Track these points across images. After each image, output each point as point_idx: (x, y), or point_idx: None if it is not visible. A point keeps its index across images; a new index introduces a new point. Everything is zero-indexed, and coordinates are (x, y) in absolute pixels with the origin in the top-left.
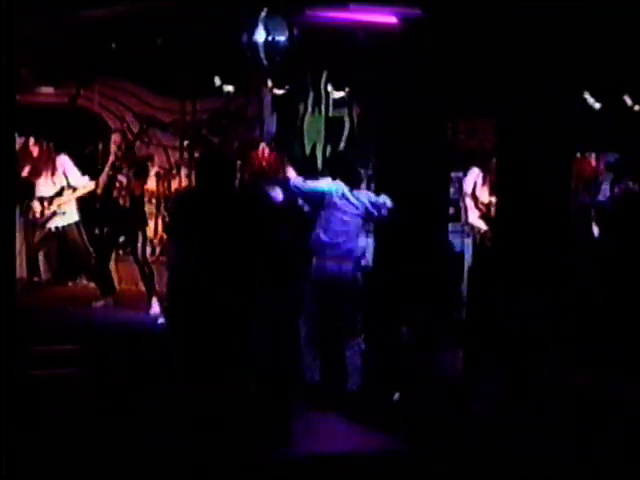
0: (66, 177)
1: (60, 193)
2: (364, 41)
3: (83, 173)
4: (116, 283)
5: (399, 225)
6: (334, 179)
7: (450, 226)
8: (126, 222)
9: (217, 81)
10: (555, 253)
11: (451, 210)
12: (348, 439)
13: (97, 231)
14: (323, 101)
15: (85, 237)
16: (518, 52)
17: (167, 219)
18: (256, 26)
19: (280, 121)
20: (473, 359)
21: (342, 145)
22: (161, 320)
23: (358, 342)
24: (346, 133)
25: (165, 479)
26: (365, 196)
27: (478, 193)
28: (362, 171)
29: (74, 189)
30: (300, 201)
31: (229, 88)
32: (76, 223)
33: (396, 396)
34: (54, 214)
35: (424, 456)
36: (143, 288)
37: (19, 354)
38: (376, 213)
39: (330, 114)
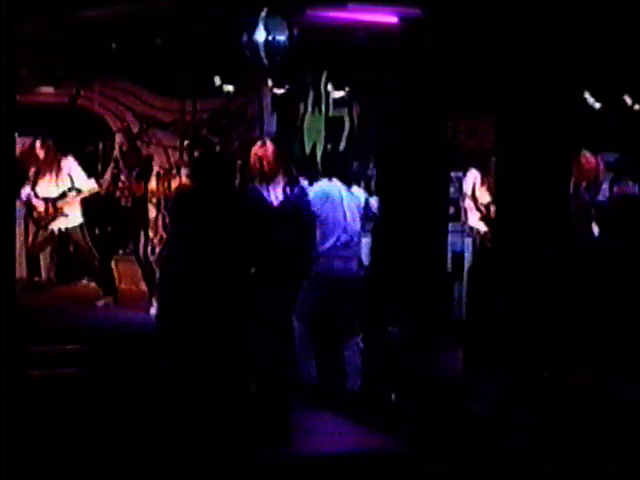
0: (71, 179)
1: (64, 195)
2: (364, 41)
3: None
4: (117, 283)
5: (399, 225)
6: (330, 179)
7: (450, 226)
8: (128, 222)
9: (217, 81)
10: (555, 253)
11: (451, 210)
12: (348, 439)
13: (100, 231)
14: (323, 101)
15: (88, 238)
16: (518, 52)
17: (166, 218)
18: (256, 26)
19: (280, 121)
20: (473, 359)
21: (342, 145)
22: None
23: (357, 341)
24: (346, 133)
25: (165, 479)
26: (361, 194)
27: (477, 194)
28: (357, 169)
29: (78, 191)
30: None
31: (229, 88)
32: (80, 224)
33: (393, 397)
34: (57, 215)
35: (424, 456)
36: (144, 288)
37: (19, 354)
38: (371, 212)
39: (330, 114)
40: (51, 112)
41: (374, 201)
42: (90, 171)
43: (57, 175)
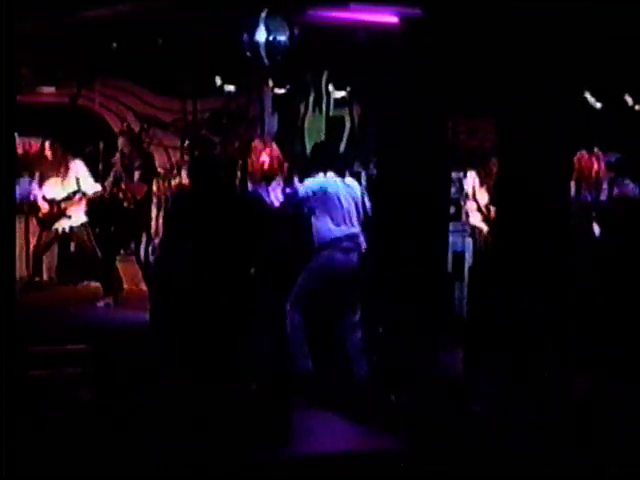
0: (78, 182)
1: (70, 197)
2: (365, 41)
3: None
4: (123, 283)
5: (399, 225)
6: (325, 173)
7: (451, 226)
8: (130, 224)
9: (218, 81)
10: (555, 253)
11: (452, 210)
12: (348, 439)
13: (102, 232)
14: (324, 101)
15: (92, 239)
16: (518, 52)
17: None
18: (257, 26)
19: (281, 121)
20: (473, 359)
21: (343, 145)
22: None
23: (356, 334)
24: (347, 133)
25: (165, 479)
26: (356, 185)
27: (478, 196)
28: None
29: (83, 194)
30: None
31: (230, 88)
32: (84, 225)
33: (392, 397)
34: (60, 217)
35: (424, 456)
36: (144, 288)
37: (19, 354)
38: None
39: (331, 114)
40: (52, 112)
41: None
42: (91, 171)
43: (64, 177)
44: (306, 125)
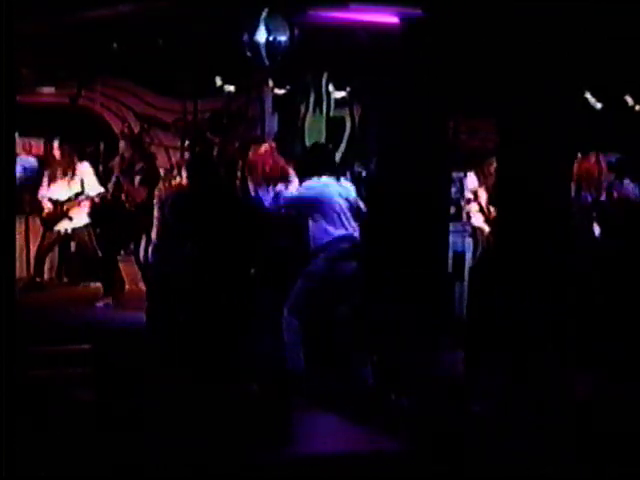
0: (82, 185)
1: (71, 199)
2: (365, 41)
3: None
4: (125, 284)
5: (400, 225)
6: (320, 176)
7: (451, 226)
8: (130, 225)
9: (218, 81)
10: (555, 253)
11: (452, 210)
12: (348, 439)
13: (104, 233)
14: (324, 101)
15: (93, 240)
16: (519, 52)
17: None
18: (257, 26)
19: (281, 121)
20: (474, 359)
21: (343, 145)
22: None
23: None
24: (347, 133)
25: (165, 479)
26: (350, 186)
27: (469, 194)
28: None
29: (86, 196)
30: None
31: (230, 88)
32: (86, 226)
33: (392, 396)
34: (63, 218)
35: (424, 456)
36: (144, 288)
37: (19, 354)
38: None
39: (331, 114)
40: (52, 112)
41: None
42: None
43: (71, 178)
44: (306, 125)
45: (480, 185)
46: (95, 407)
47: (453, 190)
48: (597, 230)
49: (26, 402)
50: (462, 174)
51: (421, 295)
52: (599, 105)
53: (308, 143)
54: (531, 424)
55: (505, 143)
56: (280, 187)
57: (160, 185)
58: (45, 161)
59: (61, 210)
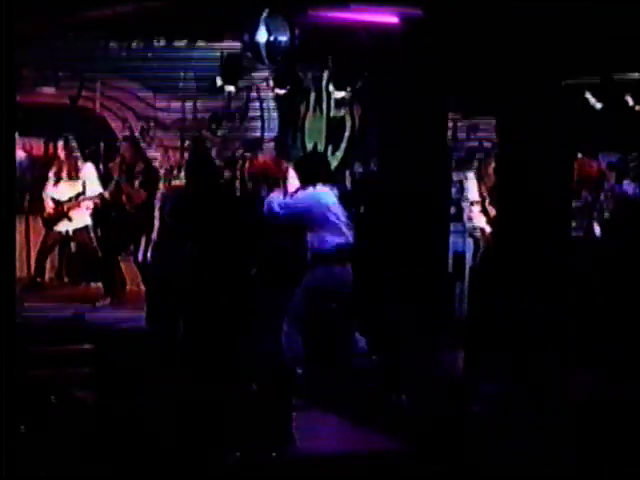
0: (84, 186)
1: (71, 199)
2: (365, 41)
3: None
4: (127, 284)
5: (400, 225)
6: (314, 185)
7: (451, 226)
8: (130, 227)
9: (219, 81)
10: (555, 253)
11: (452, 210)
12: (348, 439)
13: (104, 233)
14: (324, 101)
15: (94, 240)
16: (519, 52)
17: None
18: (258, 26)
19: (281, 121)
20: (473, 359)
21: (344, 145)
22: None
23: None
24: (347, 133)
25: (165, 479)
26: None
27: (479, 197)
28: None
29: (86, 197)
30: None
31: (230, 88)
32: (87, 227)
33: (392, 397)
34: (62, 218)
35: (424, 456)
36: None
37: (19, 354)
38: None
39: (331, 114)
40: (52, 112)
41: None
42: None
43: (75, 179)
44: (306, 125)
45: (480, 185)
46: (95, 407)
47: (453, 190)
48: (597, 230)
49: (26, 402)
50: (462, 174)
51: (421, 295)
52: (599, 105)
53: (308, 143)
54: (531, 424)
55: (505, 143)
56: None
57: (161, 186)
58: (49, 161)
59: (62, 210)
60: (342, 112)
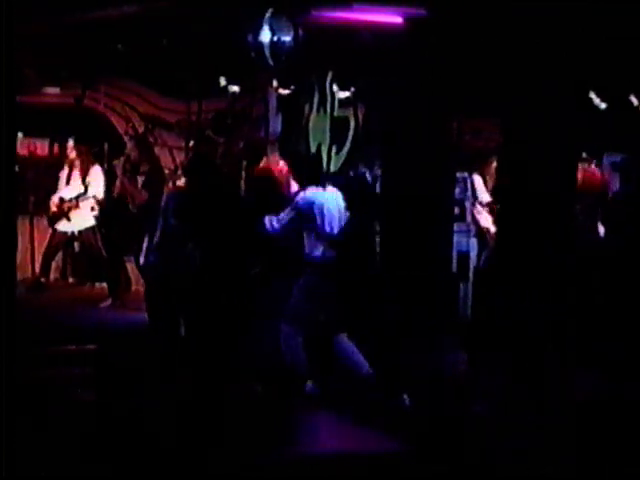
0: (86, 187)
1: (73, 199)
2: (369, 41)
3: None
4: (132, 285)
5: (404, 225)
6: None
7: (455, 226)
8: (133, 227)
9: (222, 81)
10: (556, 253)
11: (456, 210)
12: (348, 439)
13: (109, 234)
14: (328, 101)
15: (100, 241)
16: (523, 52)
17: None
18: (261, 26)
19: (285, 121)
20: (475, 359)
21: (348, 145)
22: None
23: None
24: (351, 133)
25: (166, 479)
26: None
27: (485, 197)
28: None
29: (87, 197)
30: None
31: (234, 88)
32: (92, 227)
33: (393, 397)
34: (62, 217)
35: (424, 456)
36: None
37: (20, 354)
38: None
39: (335, 114)
40: (57, 113)
41: None
42: None
43: (82, 179)
44: (310, 125)
45: (485, 185)
46: (95, 407)
47: (457, 190)
48: (601, 230)
49: (26, 402)
50: (466, 174)
51: (425, 295)
52: (603, 105)
53: (312, 143)
54: (531, 424)
55: (509, 143)
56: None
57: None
58: (56, 162)
59: (63, 209)
60: (346, 112)
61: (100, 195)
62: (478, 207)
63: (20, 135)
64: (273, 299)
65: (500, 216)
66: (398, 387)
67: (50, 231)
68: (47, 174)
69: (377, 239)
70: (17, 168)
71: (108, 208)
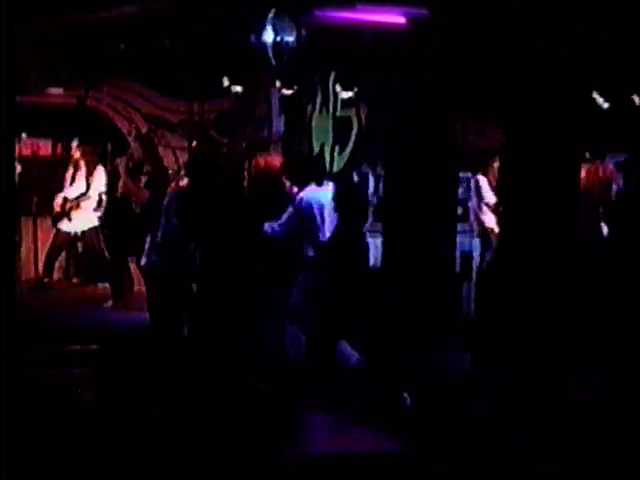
0: (88, 187)
1: (73, 199)
2: (372, 41)
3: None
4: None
5: (407, 225)
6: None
7: (458, 226)
8: (135, 228)
9: (225, 81)
10: (556, 253)
11: (459, 210)
12: (348, 439)
13: (112, 234)
14: (331, 101)
15: (102, 241)
16: (526, 52)
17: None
18: (264, 26)
19: (288, 121)
20: (480, 359)
21: (351, 145)
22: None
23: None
24: (354, 133)
25: (166, 479)
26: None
27: (489, 198)
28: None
29: (86, 198)
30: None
31: (237, 88)
32: (95, 228)
33: (394, 397)
34: (63, 217)
35: (424, 456)
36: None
37: (20, 354)
38: None
39: (338, 114)
40: (60, 113)
41: None
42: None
43: (86, 180)
44: (313, 126)
45: (489, 185)
46: (95, 407)
47: (460, 190)
48: (605, 230)
49: (27, 402)
50: (469, 174)
51: (428, 295)
52: (606, 105)
53: (315, 143)
54: (531, 424)
55: (512, 144)
56: None
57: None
58: (60, 162)
59: (65, 209)
60: (349, 112)
61: (102, 195)
62: (483, 207)
63: (23, 135)
64: (273, 299)
65: (501, 216)
66: (399, 386)
67: (54, 231)
68: (50, 174)
69: (367, 240)
70: (20, 168)
71: (111, 208)
